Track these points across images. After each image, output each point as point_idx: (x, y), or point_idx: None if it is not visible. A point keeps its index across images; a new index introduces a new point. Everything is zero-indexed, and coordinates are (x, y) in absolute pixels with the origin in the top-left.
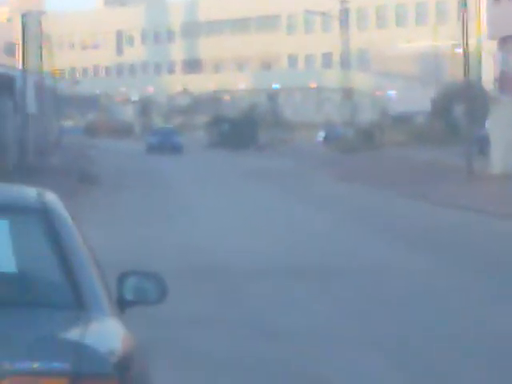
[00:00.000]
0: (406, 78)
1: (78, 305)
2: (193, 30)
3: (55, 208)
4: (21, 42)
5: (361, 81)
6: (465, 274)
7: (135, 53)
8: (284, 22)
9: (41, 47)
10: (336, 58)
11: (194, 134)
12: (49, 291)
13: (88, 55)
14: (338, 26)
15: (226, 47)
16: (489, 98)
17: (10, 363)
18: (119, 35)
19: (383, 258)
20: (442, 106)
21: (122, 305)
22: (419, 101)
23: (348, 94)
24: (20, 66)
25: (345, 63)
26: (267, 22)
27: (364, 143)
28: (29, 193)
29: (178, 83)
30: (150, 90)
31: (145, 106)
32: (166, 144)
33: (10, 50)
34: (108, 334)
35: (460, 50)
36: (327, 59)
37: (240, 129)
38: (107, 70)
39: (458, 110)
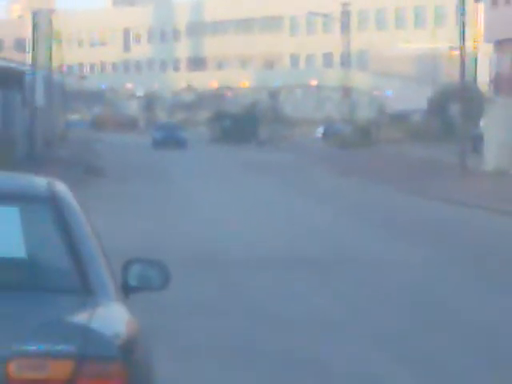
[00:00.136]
0: (404, 78)
1: (84, 290)
2: (198, 29)
3: (64, 197)
4: (31, 39)
5: (360, 80)
6: (459, 264)
7: (142, 50)
8: (287, 23)
9: (50, 44)
10: (336, 58)
11: (197, 129)
12: (57, 276)
13: (96, 52)
14: (339, 27)
15: (230, 46)
16: (483, 99)
17: (18, 345)
18: (126, 33)
19: (381, 249)
20: (438, 105)
21: (127, 290)
22: (416, 100)
23: (347, 92)
24: (30, 62)
25: (345, 63)
26: (270, 23)
27: (361, 140)
28: (39, 182)
29: (183, 80)
30: (155, 86)
31: (149, 102)
32: (170, 139)
33: (20, 46)
34: (113, 318)
35: (457, 52)
36: (328, 59)
37: (242, 124)
38: (114, 66)
39: (454, 110)
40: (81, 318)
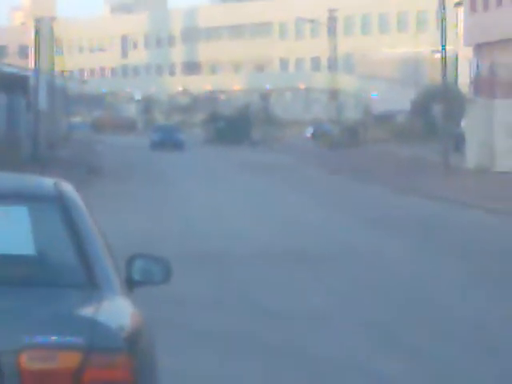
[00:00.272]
0: (388, 80)
1: (91, 284)
2: (192, 35)
3: (70, 196)
4: (34, 45)
5: (346, 83)
6: (443, 255)
7: (139, 56)
8: (276, 28)
9: (52, 50)
10: (324, 62)
11: (192, 130)
12: (64, 272)
13: (95, 57)
14: (326, 32)
15: (223, 51)
16: (464, 100)
17: (28, 337)
18: (124, 39)
19: (367, 240)
20: (421, 106)
21: (131, 285)
22: (400, 101)
23: (334, 94)
24: (33, 67)
25: (332, 66)
26: (261, 29)
27: (349, 139)
28: (46, 182)
29: (178, 84)
30: (152, 89)
31: (147, 105)
32: (168, 140)
33: (23, 52)
34: (118, 311)
35: (438, 55)
36: (316, 63)
37: (235, 126)
38: (113, 71)
39: (436, 110)
40: (88, 311)
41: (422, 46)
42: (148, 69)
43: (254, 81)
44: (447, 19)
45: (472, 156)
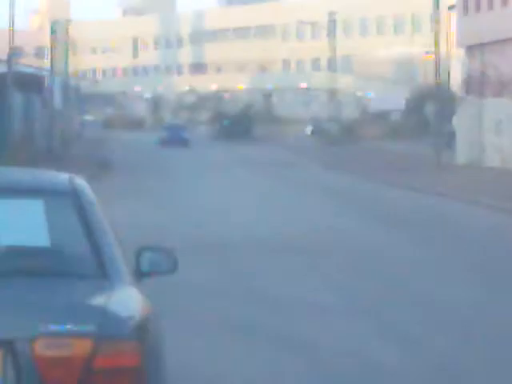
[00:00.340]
0: (384, 80)
1: (101, 275)
2: (199, 37)
3: (84, 191)
4: (50, 47)
5: (345, 82)
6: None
7: (148, 56)
8: (279, 31)
9: (67, 51)
10: (323, 63)
11: (198, 127)
12: (77, 263)
13: (107, 58)
14: (325, 34)
15: (228, 52)
16: (456, 99)
17: (42, 325)
18: (135, 41)
19: (361, 228)
20: (415, 104)
21: (139, 275)
22: (395, 100)
23: (333, 93)
24: (48, 68)
25: (331, 67)
26: (264, 31)
27: (346, 136)
28: (61, 177)
29: (186, 83)
30: (161, 88)
31: (156, 103)
32: (175, 138)
33: (39, 53)
34: (128, 300)
35: (432, 56)
36: (316, 63)
37: (239, 123)
38: (124, 71)
39: (429, 109)
40: (99, 300)
41: (417, 47)
42: (157, 69)
43: (257, 80)
44: (441, 22)
45: (462, 152)
